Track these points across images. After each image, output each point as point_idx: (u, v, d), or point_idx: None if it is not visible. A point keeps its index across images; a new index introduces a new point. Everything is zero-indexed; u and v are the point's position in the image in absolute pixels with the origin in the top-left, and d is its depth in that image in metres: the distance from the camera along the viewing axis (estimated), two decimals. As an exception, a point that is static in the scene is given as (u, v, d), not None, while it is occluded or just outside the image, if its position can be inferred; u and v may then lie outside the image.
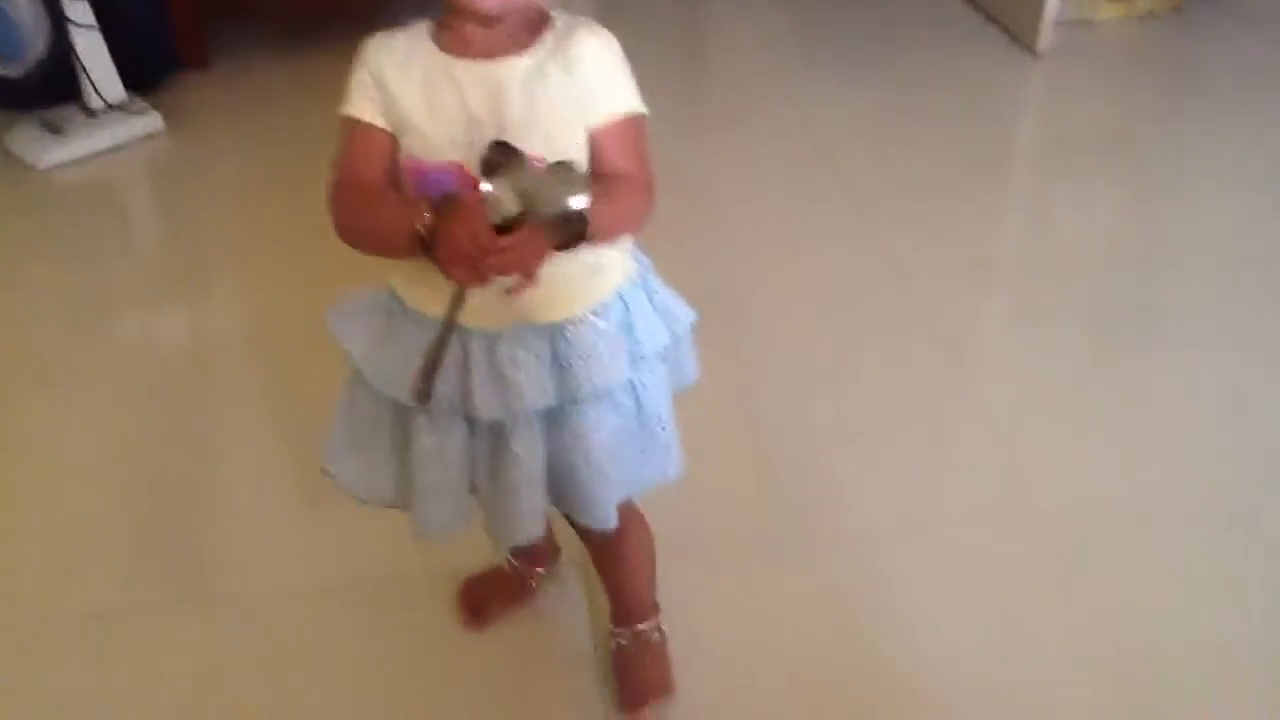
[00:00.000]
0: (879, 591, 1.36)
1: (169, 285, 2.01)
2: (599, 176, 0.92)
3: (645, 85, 0.95)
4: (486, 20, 0.90)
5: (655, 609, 1.26)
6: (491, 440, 1.01)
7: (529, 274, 0.86)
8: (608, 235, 0.91)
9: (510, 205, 0.84)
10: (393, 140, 0.94)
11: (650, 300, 1.03)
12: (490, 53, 0.91)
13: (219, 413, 1.70)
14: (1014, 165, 2.40)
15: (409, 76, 0.92)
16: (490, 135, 0.88)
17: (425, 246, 0.86)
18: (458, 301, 0.87)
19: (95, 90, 2.32)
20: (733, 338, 1.74)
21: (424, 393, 0.90)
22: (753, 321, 1.82)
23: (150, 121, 2.40)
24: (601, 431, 1.00)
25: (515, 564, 1.35)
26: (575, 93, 0.92)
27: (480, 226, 0.83)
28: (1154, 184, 2.25)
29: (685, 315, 1.06)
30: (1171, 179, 2.24)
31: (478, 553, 1.34)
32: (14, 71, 2.22)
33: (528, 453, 1.00)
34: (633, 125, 0.95)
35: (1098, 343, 1.80)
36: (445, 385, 0.94)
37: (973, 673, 1.26)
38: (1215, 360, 1.73)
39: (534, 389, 0.96)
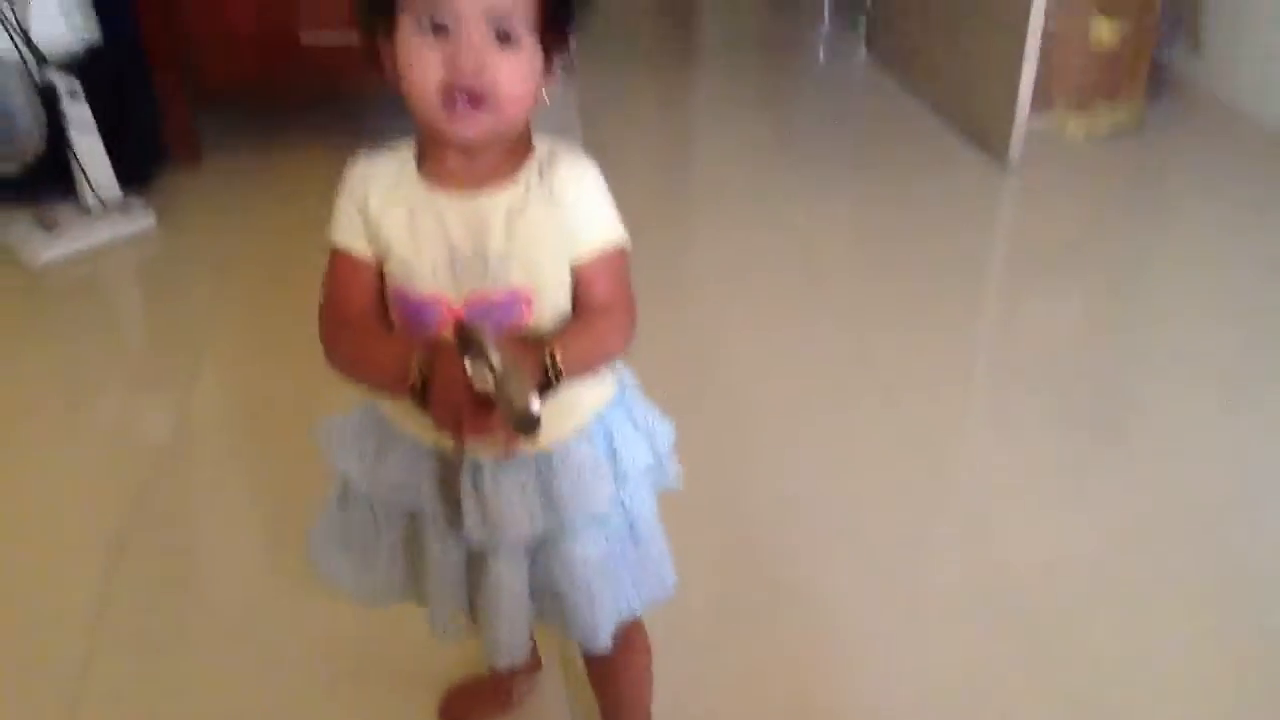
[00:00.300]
0: (851, 676, 1.39)
1: (156, 374, 2.04)
2: (580, 309, 0.93)
3: (629, 189, 0.96)
4: (468, 150, 0.90)
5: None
6: (480, 561, 1.01)
7: (509, 445, 0.87)
8: (586, 371, 0.91)
9: (485, 384, 0.82)
10: (378, 268, 0.94)
11: (631, 419, 1.03)
12: (473, 184, 0.91)
13: (204, 496, 1.73)
14: (987, 271, 2.48)
15: (393, 206, 0.92)
16: (473, 269, 0.90)
17: (414, 397, 0.87)
18: (459, 445, 0.87)
19: (91, 188, 2.37)
20: (713, 434, 1.78)
21: (456, 520, 0.93)
22: (733, 418, 1.86)
23: (143, 218, 2.44)
24: (590, 555, 1.00)
25: (498, 673, 1.34)
26: (558, 225, 0.91)
27: (461, 397, 0.82)
28: (1121, 292, 2.33)
29: (665, 432, 1.06)
30: (1137, 287, 2.33)
31: (458, 651, 1.34)
32: (9, 168, 2.27)
33: (512, 579, 1.00)
34: (616, 256, 0.95)
35: (1068, 443, 1.85)
36: (436, 506, 0.96)
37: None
38: (1180, 462, 1.78)
39: (521, 519, 0.96)
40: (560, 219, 0.91)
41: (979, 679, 1.39)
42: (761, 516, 1.66)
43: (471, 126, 0.86)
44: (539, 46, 0.87)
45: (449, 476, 0.91)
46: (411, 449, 0.97)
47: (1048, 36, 2.66)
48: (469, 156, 0.90)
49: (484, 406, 0.82)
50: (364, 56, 0.91)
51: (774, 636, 1.46)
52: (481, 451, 0.93)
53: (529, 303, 0.92)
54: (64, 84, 2.24)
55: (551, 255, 0.92)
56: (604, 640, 1.05)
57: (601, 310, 0.94)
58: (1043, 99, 2.80)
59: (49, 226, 2.36)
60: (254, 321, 2.16)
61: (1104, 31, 2.79)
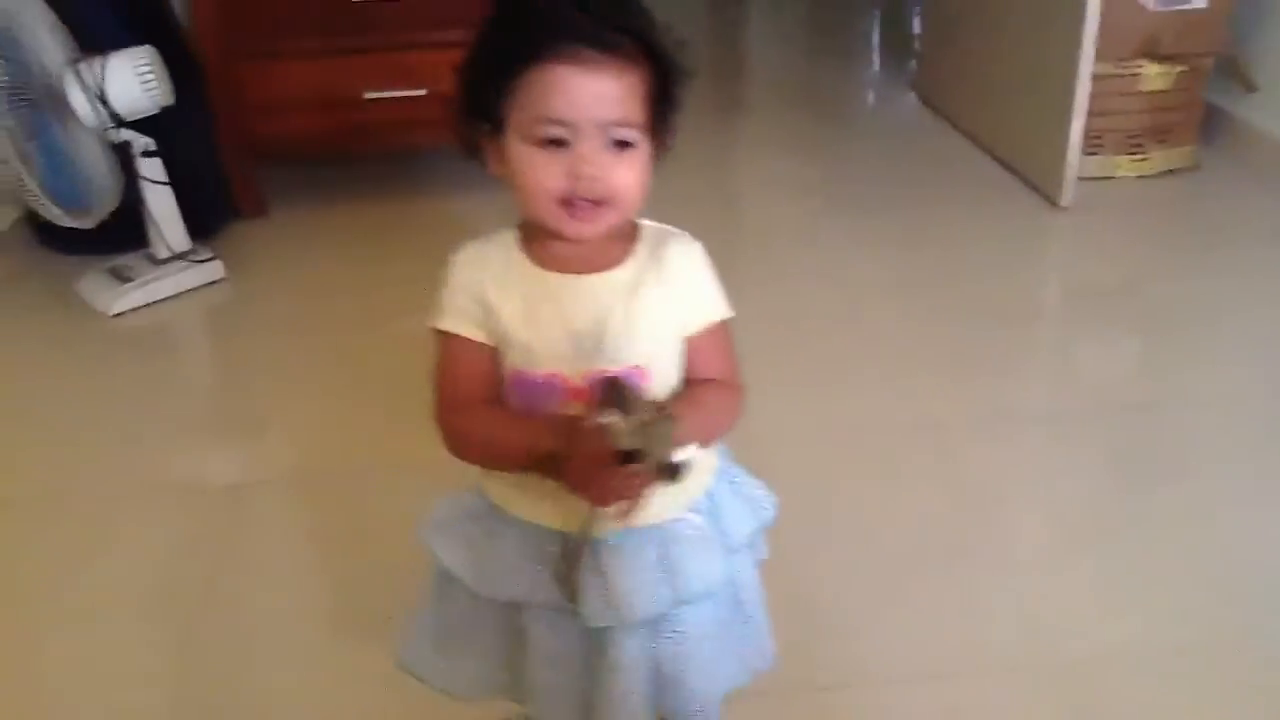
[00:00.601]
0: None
1: (223, 426, 2.10)
2: (692, 383, 0.96)
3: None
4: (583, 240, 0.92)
5: None
6: (597, 646, 1.00)
7: (638, 500, 0.88)
8: (702, 443, 0.93)
9: (625, 440, 0.84)
10: (494, 354, 0.95)
11: (734, 490, 1.04)
12: (586, 267, 0.93)
13: (266, 552, 1.76)
14: (1038, 314, 2.47)
15: (509, 292, 0.93)
16: (591, 347, 0.91)
17: (550, 471, 0.88)
18: (592, 515, 0.90)
19: (163, 241, 2.46)
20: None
21: (577, 601, 0.94)
22: (779, 466, 1.86)
23: (213, 269, 2.53)
24: (704, 629, 1.01)
25: None
26: (672, 305, 0.94)
27: (606, 456, 0.84)
28: (1173, 336, 2.31)
29: (769, 501, 1.07)
30: (1190, 331, 2.31)
31: None
32: (87, 222, 2.36)
33: (633, 662, 0.99)
34: (723, 331, 0.98)
35: (1120, 491, 1.84)
36: (553, 591, 0.96)
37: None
38: (1236, 510, 1.77)
39: (646, 596, 0.96)
40: (673, 297, 0.94)
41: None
42: (801, 563, 1.64)
43: (591, 227, 0.90)
44: (650, 141, 0.90)
45: (572, 554, 0.92)
46: (518, 536, 0.98)
47: (1097, 80, 2.67)
48: (582, 243, 0.92)
49: (626, 463, 0.84)
50: (463, 151, 0.94)
51: (812, 689, 1.46)
52: (603, 523, 0.92)
53: (645, 377, 0.94)
54: (138, 143, 2.33)
55: (665, 332, 0.95)
56: (713, 716, 1.05)
57: (714, 385, 0.97)
58: (1094, 142, 2.81)
59: (123, 277, 2.45)
60: (316, 370, 2.22)
61: (1153, 76, 2.79)
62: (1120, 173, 2.90)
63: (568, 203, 0.88)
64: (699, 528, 0.99)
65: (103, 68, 2.21)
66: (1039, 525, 1.78)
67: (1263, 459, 1.89)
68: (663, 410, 0.86)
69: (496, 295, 0.93)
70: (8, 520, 1.84)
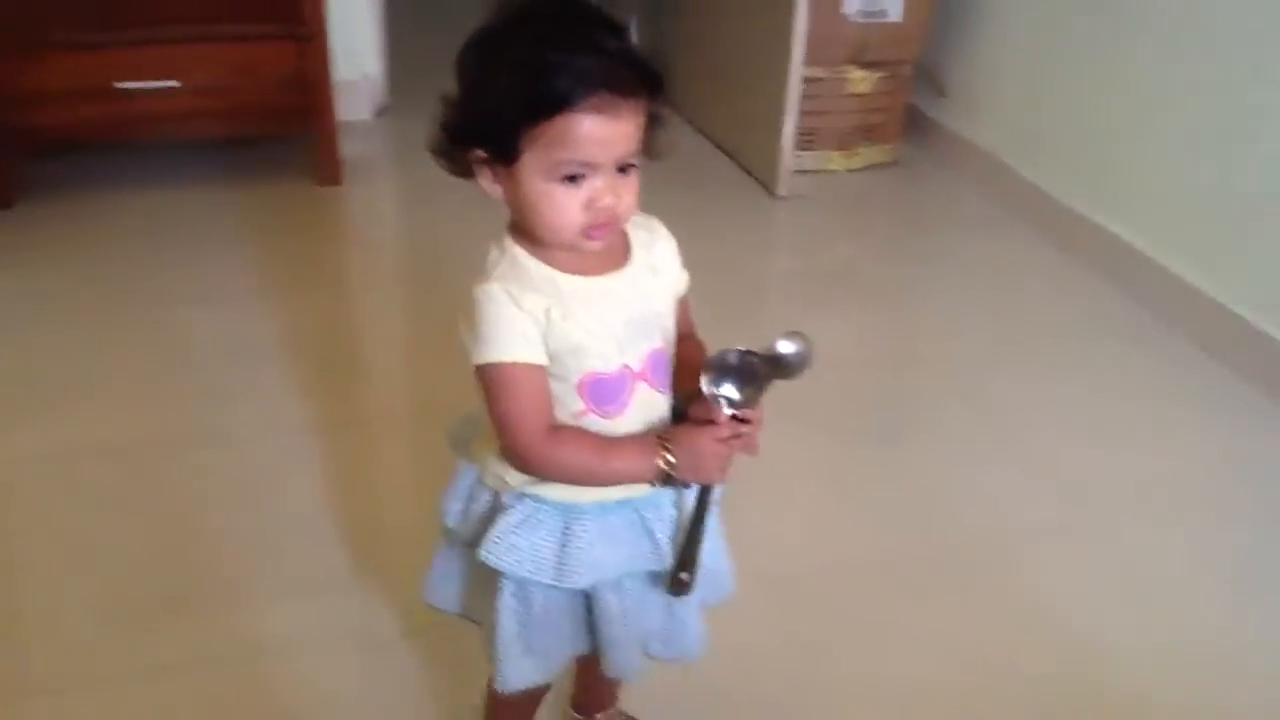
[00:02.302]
0: None
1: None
2: (682, 336, 1.09)
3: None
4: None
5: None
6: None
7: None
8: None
9: (733, 393, 0.99)
10: (545, 372, 0.99)
11: (717, 547, 1.18)
12: (609, 264, 1.02)
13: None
14: (756, 291, 2.76)
15: (567, 306, 0.98)
16: (638, 333, 1.01)
17: (668, 479, 1.00)
18: (707, 496, 1.03)
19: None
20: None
21: (683, 584, 1.05)
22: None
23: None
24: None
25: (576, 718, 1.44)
26: (670, 281, 1.07)
27: (723, 430, 0.98)
28: (880, 307, 2.63)
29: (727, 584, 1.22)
30: (899, 302, 2.65)
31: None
32: None
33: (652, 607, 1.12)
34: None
35: (849, 442, 2.10)
36: (631, 559, 1.07)
37: None
38: (945, 452, 2.08)
39: (669, 544, 1.07)
40: (670, 270, 1.07)
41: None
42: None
43: (603, 243, 0.98)
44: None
45: (694, 532, 1.05)
46: (608, 521, 1.05)
47: (811, 83, 3.00)
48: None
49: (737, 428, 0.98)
50: (447, 168, 0.98)
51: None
52: (628, 490, 1.04)
53: (672, 346, 1.07)
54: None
55: (674, 301, 1.08)
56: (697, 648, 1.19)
57: (693, 338, 1.11)
58: (808, 138, 3.14)
59: None
60: (79, 360, 2.27)
61: (859, 80, 3.15)
62: (832, 166, 3.25)
63: (586, 228, 0.96)
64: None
65: None
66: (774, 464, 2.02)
67: (963, 413, 2.20)
68: (758, 368, 1.01)
69: (559, 312, 0.97)
70: None
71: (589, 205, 0.94)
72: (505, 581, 1.07)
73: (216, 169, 3.13)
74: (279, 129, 3.13)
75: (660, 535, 1.07)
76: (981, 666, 1.59)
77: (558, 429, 1.00)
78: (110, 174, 3.04)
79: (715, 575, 1.16)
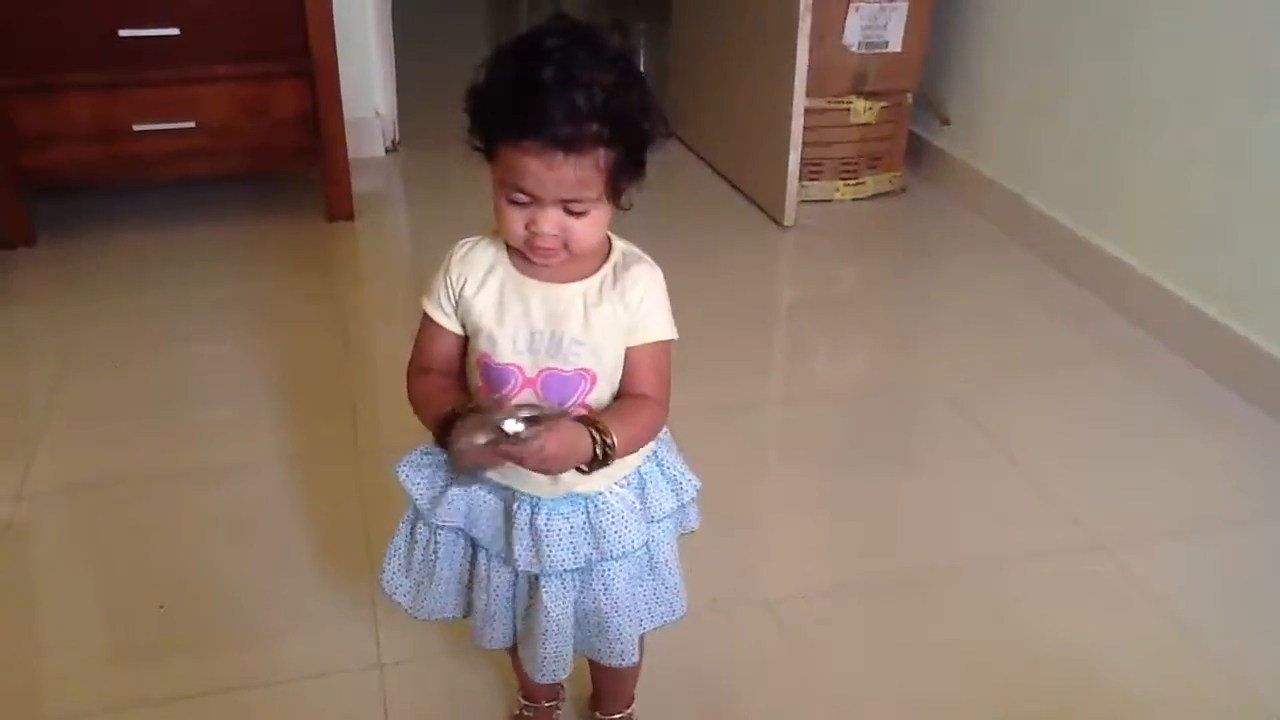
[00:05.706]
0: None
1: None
2: (626, 392, 1.11)
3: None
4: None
5: (632, 699, 1.46)
6: (528, 588, 1.19)
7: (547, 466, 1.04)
8: (627, 451, 1.08)
9: (515, 426, 1.01)
10: (460, 340, 1.13)
11: (661, 471, 1.20)
12: (558, 277, 1.08)
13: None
14: (765, 318, 2.77)
15: (486, 288, 1.10)
16: (547, 347, 1.07)
17: (439, 439, 1.07)
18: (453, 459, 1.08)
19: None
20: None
21: (508, 551, 1.14)
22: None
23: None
24: (621, 581, 1.17)
25: (527, 707, 1.47)
26: (624, 318, 1.08)
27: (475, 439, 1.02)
28: (886, 333, 2.66)
29: (690, 483, 1.23)
30: (904, 329, 2.67)
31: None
32: None
33: (555, 604, 1.16)
34: (662, 351, 1.12)
35: (853, 467, 2.12)
36: (492, 537, 1.16)
37: None
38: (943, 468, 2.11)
39: (565, 551, 1.13)
40: (627, 313, 1.08)
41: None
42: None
43: (549, 262, 1.06)
44: (608, 201, 1.04)
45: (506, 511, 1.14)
46: (472, 489, 1.15)
47: (814, 114, 3.04)
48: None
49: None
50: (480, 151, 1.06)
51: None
52: (539, 485, 1.11)
53: (593, 381, 1.09)
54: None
55: (615, 344, 1.09)
56: (631, 656, 1.21)
57: (640, 399, 1.11)
58: (814, 168, 3.18)
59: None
60: (86, 397, 2.30)
61: (861, 110, 3.18)
62: (838, 195, 3.29)
63: (529, 244, 1.04)
64: (625, 499, 1.15)
65: None
66: (770, 501, 2.05)
67: (966, 437, 2.22)
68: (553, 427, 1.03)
69: (474, 290, 1.10)
70: None
71: (531, 224, 1.03)
72: (410, 510, 1.20)
73: (230, 206, 3.18)
74: (291, 166, 3.19)
75: (520, 528, 1.13)
76: (980, 688, 1.60)
77: (427, 371, 1.14)
78: (127, 211, 3.10)
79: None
